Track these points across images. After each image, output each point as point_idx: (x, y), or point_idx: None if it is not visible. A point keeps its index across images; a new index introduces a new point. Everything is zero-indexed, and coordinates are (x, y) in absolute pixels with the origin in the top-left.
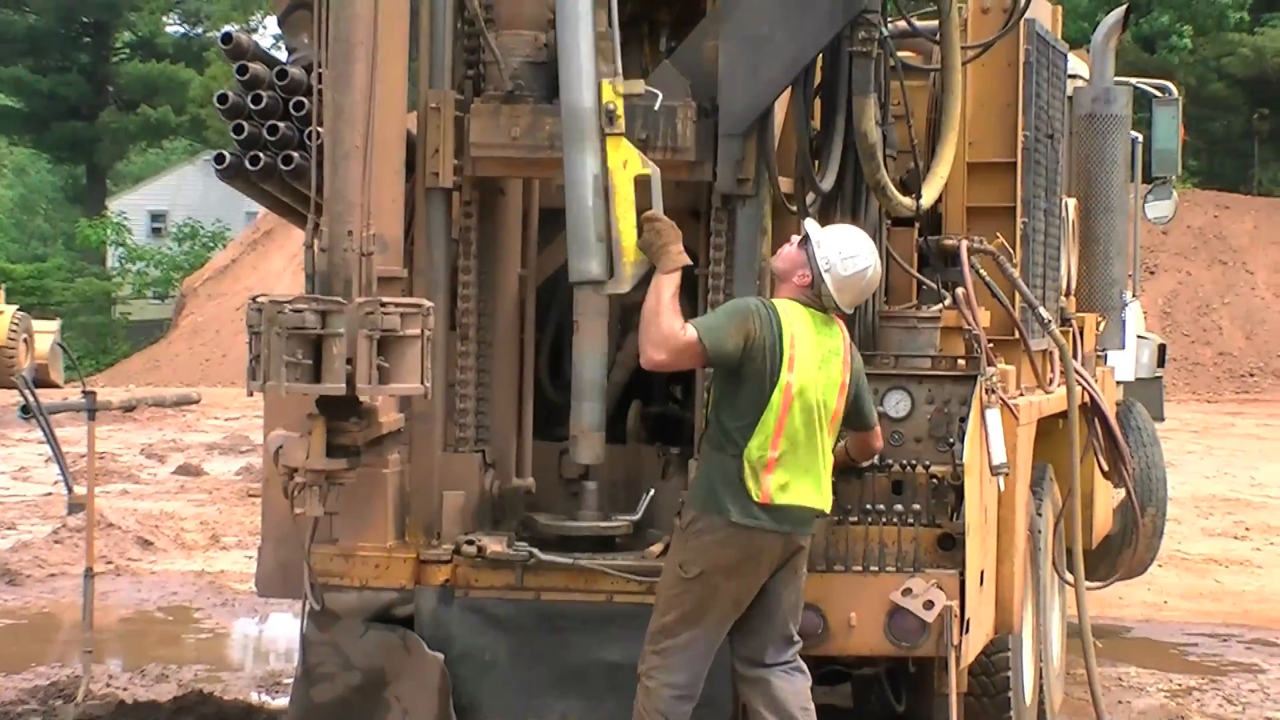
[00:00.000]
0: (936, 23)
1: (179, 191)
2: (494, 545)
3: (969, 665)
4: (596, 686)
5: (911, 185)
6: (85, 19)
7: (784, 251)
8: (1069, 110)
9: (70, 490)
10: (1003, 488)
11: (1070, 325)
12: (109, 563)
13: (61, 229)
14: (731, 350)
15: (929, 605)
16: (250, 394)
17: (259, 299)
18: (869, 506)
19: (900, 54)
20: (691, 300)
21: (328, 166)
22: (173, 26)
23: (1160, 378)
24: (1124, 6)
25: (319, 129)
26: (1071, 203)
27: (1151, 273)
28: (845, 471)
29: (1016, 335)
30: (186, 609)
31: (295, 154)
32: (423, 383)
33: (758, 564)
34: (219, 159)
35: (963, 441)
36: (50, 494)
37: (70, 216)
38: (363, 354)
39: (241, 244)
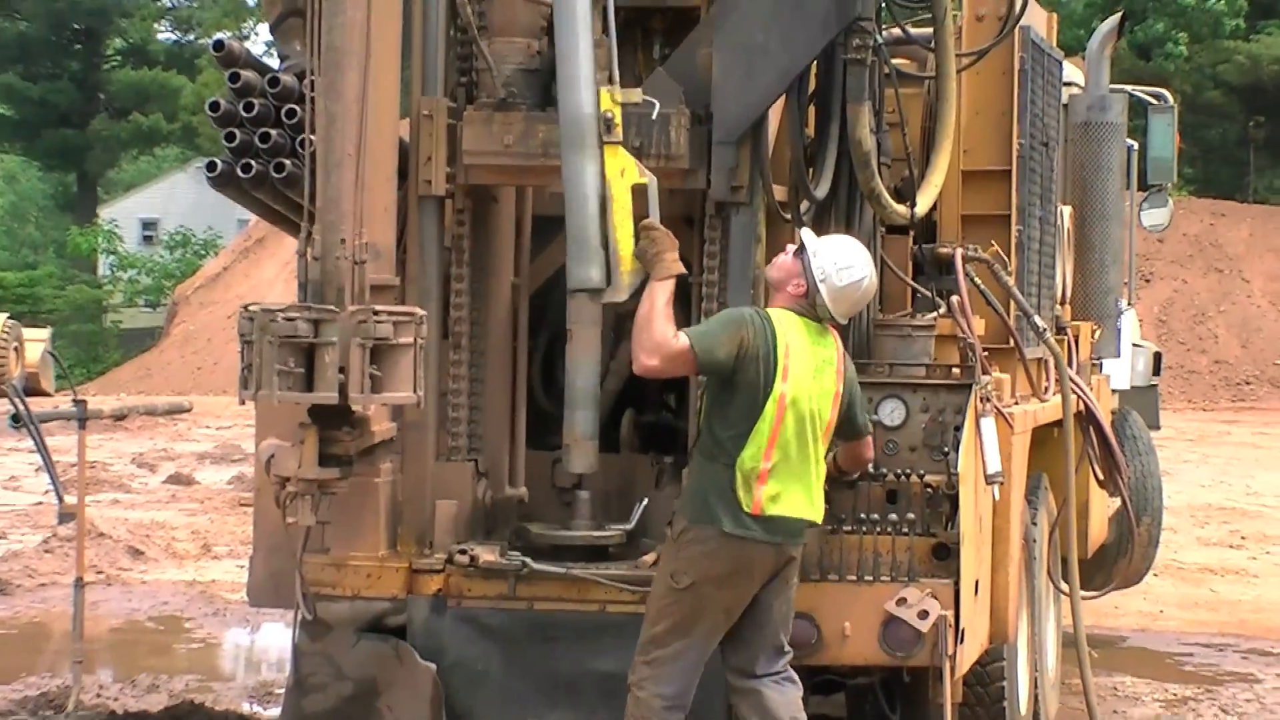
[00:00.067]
0: (931, 30)
1: (170, 199)
2: (487, 555)
3: (964, 675)
4: (589, 697)
5: (906, 193)
6: (76, 26)
7: (779, 261)
8: (1064, 118)
9: (61, 499)
10: (998, 497)
11: (1065, 333)
12: (100, 572)
13: (52, 237)
14: (723, 359)
15: (923, 615)
16: (242, 403)
17: (251, 307)
18: (863, 516)
19: (895, 61)
20: (685, 309)
21: (320, 174)
22: (164, 33)
23: (1156, 386)
24: (1119, 14)
25: (311, 136)
26: (1067, 210)
27: (1147, 281)
28: (840, 480)
29: (1011, 344)
30: (178, 619)
31: (287, 162)
32: (415, 392)
33: (749, 575)
34: (211, 166)
35: (957, 450)
36: (41, 503)
37: (61, 224)
38: (355, 363)
39: (233, 252)
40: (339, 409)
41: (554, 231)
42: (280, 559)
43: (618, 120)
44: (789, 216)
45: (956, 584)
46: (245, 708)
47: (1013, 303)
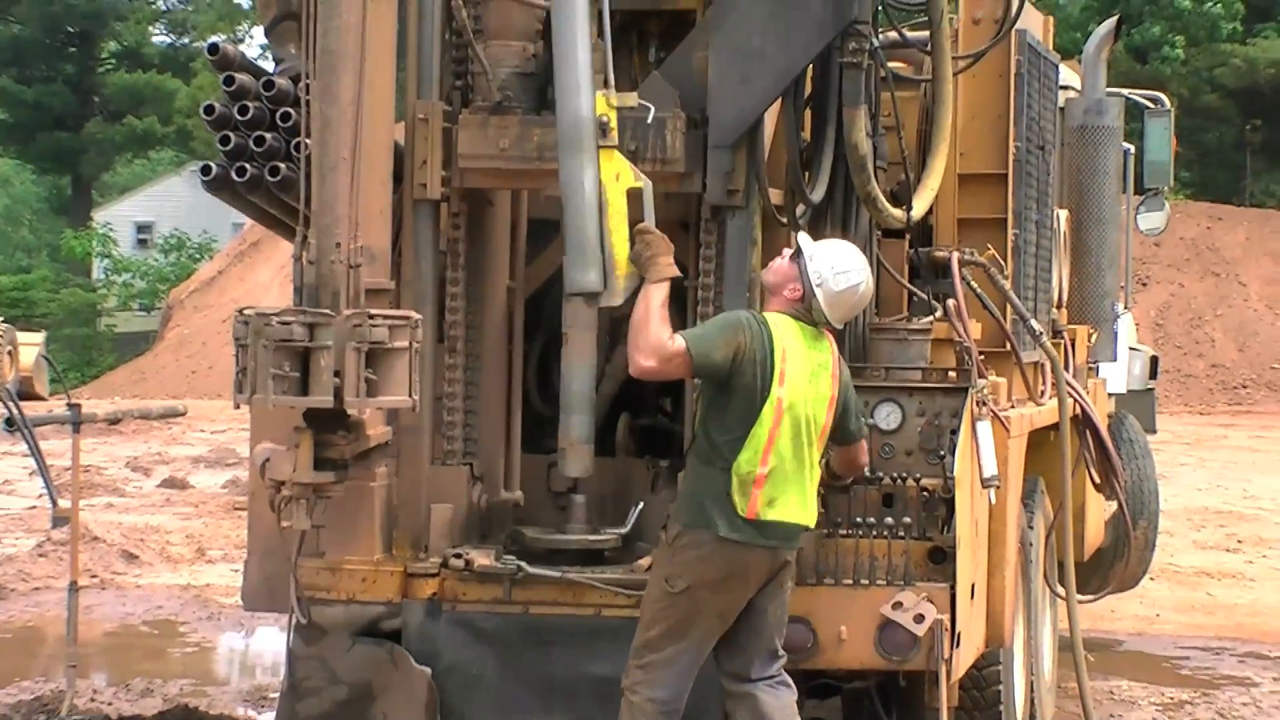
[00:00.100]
0: (927, 33)
1: (165, 203)
2: (482, 559)
3: (960, 679)
4: (584, 700)
5: (902, 197)
6: (70, 29)
7: (775, 265)
8: (1061, 121)
9: (55, 503)
10: (994, 500)
11: (1062, 337)
12: (94, 576)
13: (46, 240)
14: (719, 362)
15: (919, 619)
16: (237, 406)
17: (246, 311)
18: (859, 519)
19: (891, 65)
20: (681, 313)
21: (315, 178)
22: (159, 36)
23: (1152, 390)
24: (1116, 17)
25: (306, 140)
26: (1063, 214)
27: (1144, 284)
28: (834, 485)
29: (1008, 347)
30: (172, 623)
31: (282, 165)
32: (410, 396)
33: (744, 579)
34: (205, 170)
35: (953, 454)
36: (34, 507)
37: (55, 228)
38: (350, 367)
39: (228, 255)
40: (334, 413)
41: (549, 235)
42: (275, 563)
43: (613, 124)
44: (785, 220)
45: (952, 588)
46: (240, 712)
47: (1009, 306)
